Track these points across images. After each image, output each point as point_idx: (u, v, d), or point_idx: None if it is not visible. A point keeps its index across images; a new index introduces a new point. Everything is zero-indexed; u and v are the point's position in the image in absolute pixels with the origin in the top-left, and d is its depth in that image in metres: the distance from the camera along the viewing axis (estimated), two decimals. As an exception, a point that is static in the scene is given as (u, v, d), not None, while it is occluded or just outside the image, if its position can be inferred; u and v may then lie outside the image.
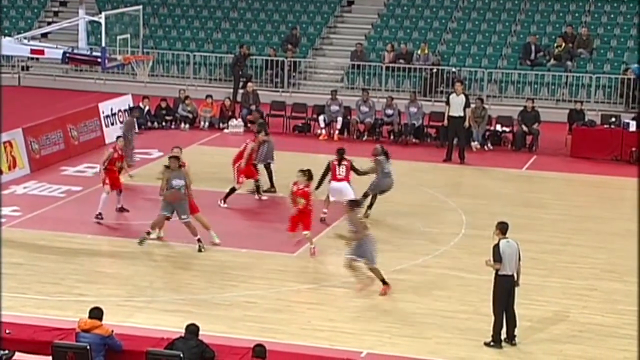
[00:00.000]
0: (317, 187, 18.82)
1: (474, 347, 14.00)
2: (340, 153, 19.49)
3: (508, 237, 14.08)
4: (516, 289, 14.05)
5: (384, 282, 15.82)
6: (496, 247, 13.93)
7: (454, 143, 24.56)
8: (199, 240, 17.60)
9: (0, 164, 21.23)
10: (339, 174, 19.27)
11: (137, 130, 24.80)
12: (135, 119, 24.24)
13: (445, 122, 25.06)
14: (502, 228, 14.17)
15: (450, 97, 24.80)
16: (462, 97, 24.60)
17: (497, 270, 13.91)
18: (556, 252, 17.87)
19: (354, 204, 16.37)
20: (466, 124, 24.60)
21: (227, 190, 20.22)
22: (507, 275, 13.92)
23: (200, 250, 17.49)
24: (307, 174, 17.79)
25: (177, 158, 17.79)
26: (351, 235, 15.83)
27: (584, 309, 15.37)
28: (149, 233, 17.78)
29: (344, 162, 19.39)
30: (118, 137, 20.36)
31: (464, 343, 14.11)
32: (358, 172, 19.53)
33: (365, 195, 19.31)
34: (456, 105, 24.50)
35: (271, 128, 27.71)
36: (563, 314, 15.20)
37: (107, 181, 19.21)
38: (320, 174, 19.18)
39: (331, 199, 19.25)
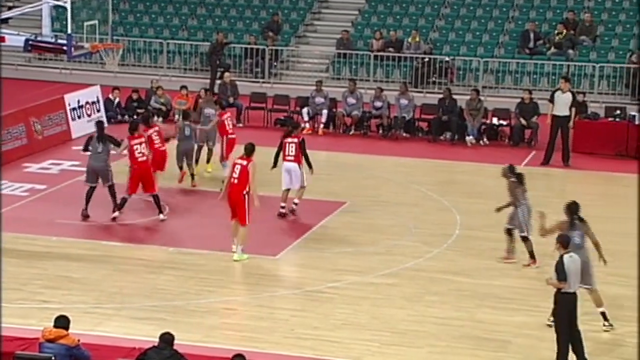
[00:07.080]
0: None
1: (469, 356, 14.00)
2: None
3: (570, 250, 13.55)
4: (578, 304, 13.50)
5: (532, 256, 16.95)
6: (560, 264, 13.28)
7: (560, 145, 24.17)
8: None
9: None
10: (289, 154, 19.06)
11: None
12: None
13: (549, 121, 24.64)
14: (564, 241, 13.54)
15: (555, 94, 24.48)
16: (569, 94, 24.29)
17: (558, 289, 13.34)
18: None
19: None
20: (571, 124, 24.31)
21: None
22: (570, 293, 13.31)
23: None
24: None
25: None
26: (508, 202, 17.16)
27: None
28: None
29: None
30: None
31: (459, 352, 14.11)
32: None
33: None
34: (562, 104, 24.24)
35: (251, 121, 27.84)
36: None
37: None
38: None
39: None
